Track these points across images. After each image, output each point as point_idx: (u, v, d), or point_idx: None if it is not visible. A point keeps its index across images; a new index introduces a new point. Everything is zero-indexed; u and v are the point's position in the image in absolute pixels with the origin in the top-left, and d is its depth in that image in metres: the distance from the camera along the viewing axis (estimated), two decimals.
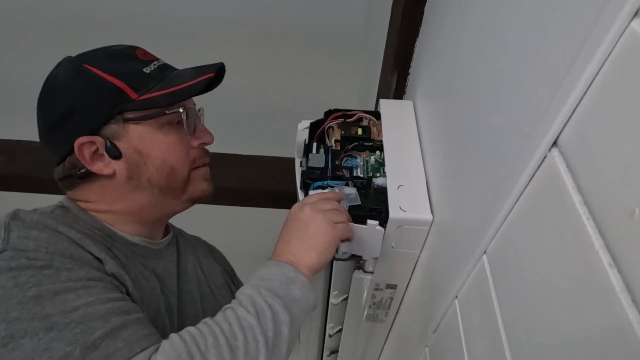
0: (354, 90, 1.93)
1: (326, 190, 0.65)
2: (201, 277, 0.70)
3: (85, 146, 0.53)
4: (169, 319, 0.58)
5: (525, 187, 0.34)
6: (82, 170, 0.54)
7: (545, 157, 0.32)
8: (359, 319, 0.86)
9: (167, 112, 0.55)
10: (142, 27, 1.77)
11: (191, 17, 1.87)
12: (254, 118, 1.94)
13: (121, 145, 0.54)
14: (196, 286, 0.67)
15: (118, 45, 0.58)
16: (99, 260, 0.50)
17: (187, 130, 0.57)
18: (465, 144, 0.50)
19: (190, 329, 0.46)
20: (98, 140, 0.53)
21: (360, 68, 1.91)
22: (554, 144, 0.31)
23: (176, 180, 0.58)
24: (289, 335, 0.47)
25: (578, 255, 0.27)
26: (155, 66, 0.57)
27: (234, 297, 0.75)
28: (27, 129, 1.04)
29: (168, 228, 0.68)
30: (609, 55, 0.25)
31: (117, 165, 0.54)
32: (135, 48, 0.58)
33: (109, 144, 0.54)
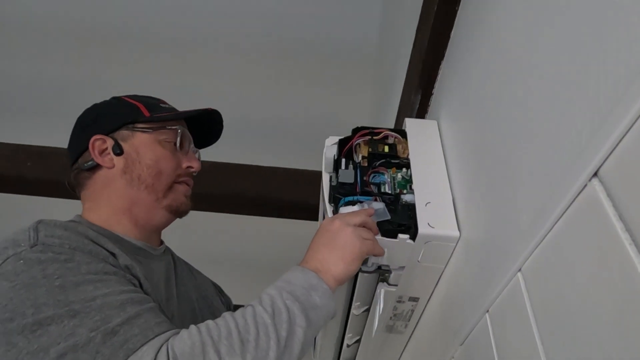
0: (367, 105, 1.96)
1: (356, 207, 0.68)
2: (195, 283, 0.79)
3: (97, 142, 0.67)
4: (167, 311, 0.63)
5: (564, 211, 0.37)
6: (89, 162, 0.67)
7: (585, 185, 0.34)
8: (378, 330, 0.88)
9: (167, 127, 0.70)
10: (158, 41, 1.81)
11: (207, 30, 1.91)
12: (269, 130, 1.97)
13: (125, 145, 0.67)
14: (191, 288, 0.75)
15: (151, 96, 0.76)
16: (114, 255, 0.57)
17: (178, 146, 0.70)
18: (495, 166, 0.53)
19: (209, 321, 0.51)
20: (109, 140, 0.67)
21: (372, 83, 1.94)
22: (595, 174, 0.33)
23: (161, 182, 0.68)
24: (303, 338, 0.51)
25: (620, 277, 0.30)
26: (170, 107, 0.75)
27: (224, 305, 0.83)
28: (53, 135, 1.08)
29: (162, 242, 0.76)
30: None
31: (117, 160, 0.67)
32: (160, 99, 0.76)
33: (116, 144, 0.67)
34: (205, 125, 0.79)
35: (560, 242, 0.37)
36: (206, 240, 1.96)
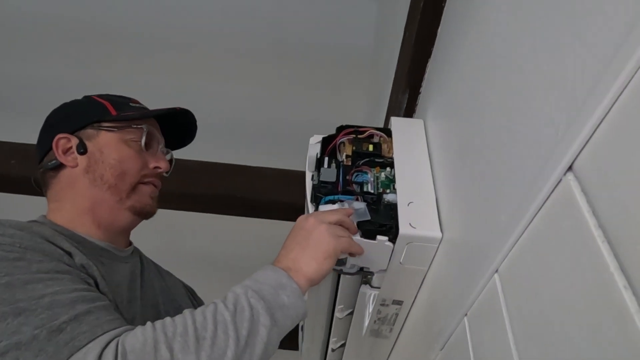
0: (361, 106, 1.95)
1: (335, 205, 0.66)
2: (164, 286, 0.77)
3: (61, 141, 0.66)
4: (127, 314, 0.61)
5: (539, 209, 0.35)
6: (53, 162, 0.66)
7: (560, 180, 0.33)
8: (363, 334, 0.86)
9: (133, 125, 0.68)
10: (152, 41, 1.80)
11: (203, 32, 1.90)
12: (262, 131, 1.95)
13: (89, 144, 0.66)
14: (158, 292, 0.73)
15: (121, 95, 0.74)
16: (69, 255, 0.56)
17: (144, 147, 0.69)
18: (477, 164, 0.51)
19: (167, 318, 0.49)
20: (74, 139, 0.66)
21: (367, 84, 1.93)
22: (569, 168, 0.32)
23: (124, 183, 0.67)
24: (267, 337, 0.49)
25: (593, 277, 0.28)
26: (140, 106, 0.73)
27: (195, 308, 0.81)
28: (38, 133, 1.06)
29: (131, 243, 0.74)
30: (627, 84, 0.26)
31: (80, 160, 0.66)
32: (131, 98, 0.74)
33: (80, 143, 0.66)
34: (180, 126, 0.77)
35: (535, 241, 0.36)
36: (193, 241, 1.94)
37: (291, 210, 1.24)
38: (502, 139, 0.44)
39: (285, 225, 1.28)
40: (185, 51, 1.70)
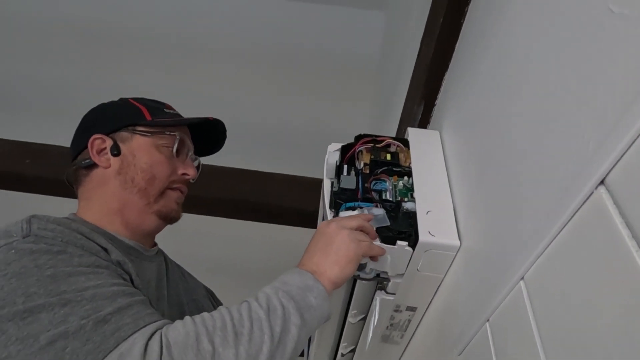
0: (368, 114, 1.98)
1: (355, 212, 0.68)
2: (186, 285, 0.79)
3: (96, 141, 0.68)
4: (159, 311, 0.63)
5: (570, 219, 0.37)
6: (87, 161, 0.68)
7: (591, 193, 0.35)
8: (374, 339, 0.87)
9: (167, 132, 0.70)
10: (161, 45, 1.83)
11: (213, 37, 1.92)
12: (271, 137, 1.97)
13: (123, 147, 0.68)
14: (181, 291, 0.75)
15: (157, 100, 0.77)
16: (106, 251, 0.58)
17: (175, 154, 0.71)
18: (500, 176, 0.53)
19: (204, 313, 0.51)
20: (108, 140, 0.68)
21: (374, 92, 1.96)
22: (601, 182, 0.34)
23: (154, 187, 0.68)
24: (297, 336, 0.52)
25: (627, 285, 0.30)
26: (174, 112, 0.75)
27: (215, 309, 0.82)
28: (53, 133, 1.07)
29: (155, 244, 0.76)
30: None
31: (113, 161, 0.68)
32: (165, 103, 0.77)
33: (115, 144, 0.68)
34: (208, 133, 0.79)
35: (565, 250, 0.37)
36: (202, 244, 1.95)
37: (299, 216, 1.26)
38: (529, 151, 0.46)
39: (293, 231, 1.30)
40: (198, 58, 1.72)
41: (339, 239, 0.59)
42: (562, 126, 0.40)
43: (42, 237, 0.53)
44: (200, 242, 1.89)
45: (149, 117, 0.70)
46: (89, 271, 0.51)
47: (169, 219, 0.72)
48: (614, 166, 0.32)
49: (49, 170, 1.10)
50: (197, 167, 0.78)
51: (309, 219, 1.12)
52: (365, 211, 0.67)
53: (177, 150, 0.71)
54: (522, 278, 0.44)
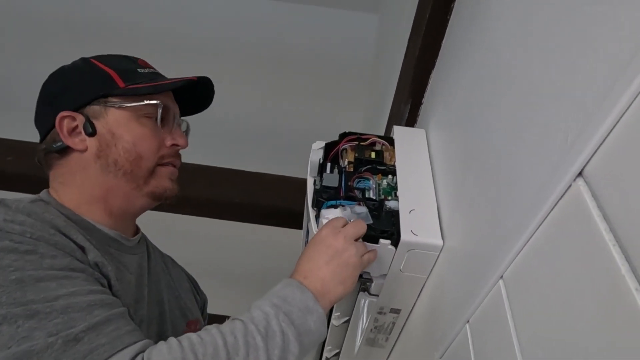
0: (361, 115, 1.97)
1: (338, 210, 0.66)
2: (169, 279, 0.72)
3: (65, 120, 0.58)
4: (135, 314, 0.57)
5: (548, 213, 0.35)
6: (59, 144, 0.58)
7: (569, 186, 0.33)
8: (358, 342, 0.85)
9: (145, 101, 0.60)
10: (154, 44, 1.81)
11: (204, 36, 1.91)
12: (262, 137, 1.96)
13: (98, 124, 0.58)
14: (163, 287, 0.68)
15: (126, 55, 0.66)
16: (82, 250, 0.51)
17: (159, 124, 0.61)
18: (483, 173, 0.52)
19: (192, 335, 0.45)
20: (79, 117, 0.58)
21: (367, 94, 1.95)
22: (579, 174, 0.32)
23: (141, 168, 0.60)
24: None
25: (604, 280, 0.28)
26: (149, 71, 0.64)
27: (198, 306, 0.75)
28: (36, 131, 1.05)
29: (138, 229, 0.69)
30: (637, 95, 0.27)
31: (89, 142, 0.58)
32: (138, 58, 0.65)
33: (87, 122, 0.58)
34: (192, 91, 0.67)
35: (543, 246, 0.36)
36: (190, 245, 1.92)
37: (288, 217, 1.24)
38: (510, 146, 0.45)
39: (282, 232, 1.28)
40: (188, 58, 1.71)
41: (347, 256, 0.55)
42: (543, 118, 0.39)
43: (8, 233, 0.45)
44: (188, 243, 1.86)
45: (121, 84, 0.59)
46: (62, 275, 0.45)
47: (164, 198, 0.63)
48: (591, 157, 0.31)
49: (30, 167, 1.07)
50: (186, 132, 0.69)
51: (298, 220, 1.10)
52: (348, 209, 0.65)
53: (162, 119, 0.61)
54: (502, 277, 0.42)
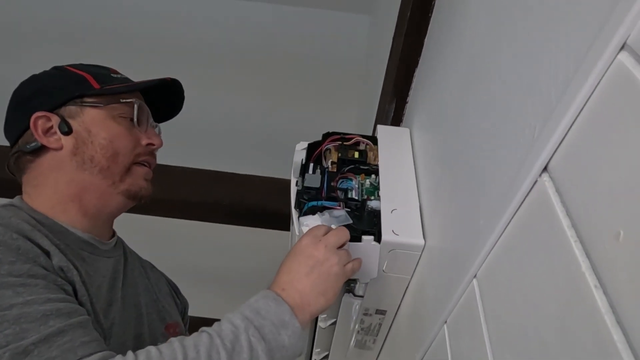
0: (353, 117, 1.96)
1: (316, 215, 0.64)
2: (147, 283, 0.71)
3: (40, 120, 0.58)
4: (106, 318, 0.56)
5: (516, 211, 0.35)
6: (32, 144, 0.58)
7: (535, 182, 0.32)
8: (346, 344, 0.84)
9: (121, 100, 0.61)
10: (146, 47, 1.81)
11: (196, 39, 1.91)
12: (251, 139, 1.96)
13: (74, 123, 0.59)
14: (140, 290, 0.67)
15: (98, 64, 0.67)
16: (47, 255, 0.50)
17: (135, 122, 0.62)
18: (458, 170, 0.51)
19: (151, 348, 0.44)
20: (54, 117, 0.59)
21: (359, 95, 1.95)
22: (545, 169, 0.32)
23: (117, 164, 0.60)
24: None
25: (565, 277, 0.27)
26: (122, 77, 0.66)
27: (178, 310, 0.73)
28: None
29: (114, 233, 0.68)
30: (597, 85, 0.26)
31: (65, 141, 0.58)
32: (110, 67, 0.67)
33: (63, 121, 0.58)
34: (164, 97, 0.69)
35: (511, 244, 0.35)
36: (177, 249, 1.91)
37: (278, 219, 1.23)
38: (483, 144, 0.44)
39: (271, 234, 1.28)
40: (178, 59, 1.71)
41: (328, 266, 0.53)
42: (513, 115, 0.38)
43: None
44: (175, 247, 1.85)
45: (96, 86, 0.60)
46: (20, 282, 0.44)
47: (139, 197, 0.63)
48: (555, 151, 0.30)
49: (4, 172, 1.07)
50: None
51: (286, 222, 1.10)
52: (326, 213, 0.64)
53: (138, 119, 0.62)
54: (475, 276, 0.41)
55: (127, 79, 0.65)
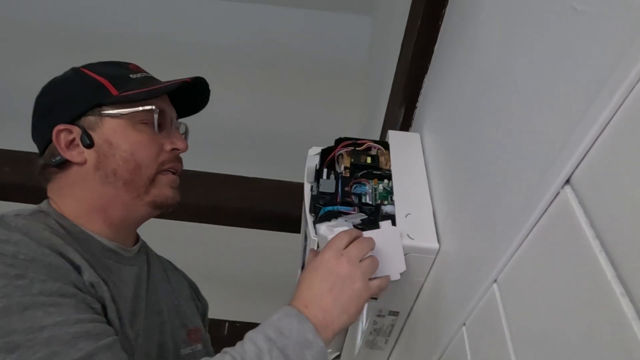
0: (356, 119, 1.98)
1: (332, 222, 0.65)
2: (169, 288, 0.71)
3: (62, 133, 0.58)
4: (132, 330, 0.57)
5: (538, 220, 0.36)
6: (57, 158, 0.58)
7: (558, 193, 0.34)
8: (358, 345, 0.86)
9: (140, 107, 0.59)
10: (147, 49, 1.81)
11: (201, 41, 1.92)
12: (257, 142, 1.97)
13: (94, 135, 0.58)
14: (163, 297, 0.67)
15: (117, 61, 0.65)
16: (78, 270, 0.50)
17: (157, 129, 0.60)
18: (474, 177, 0.53)
19: None
20: (75, 129, 0.58)
21: (361, 97, 1.96)
22: (567, 181, 0.33)
23: (141, 177, 0.59)
24: None
25: (591, 285, 0.29)
26: (142, 76, 0.64)
27: (199, 312, 0.73)
28: (32, 140, 1.06)
29: (137, 237, 0.68)
30: (622, 103, 0.28)
31: (88, 154, 0.58)
32: (129, 63, 0.65)
33: (84, 133, 0.58)
34: (188, 93, 0.66)
35: (533, 251, 0.37)
36: (185, 252, 1.93)
37: (286, 221, 1.25)
38: (499, 152, 0.46)
39: (279, 236, 1.29)
40: (185, 63, 1.72)
41: (351, 283, 0.51)
42: (530, 125, 0.40)
43: (1, 254, 0.45)
44: (184, 249, 1.87)
45: (115, 92, 0.59)
46: (51, 302, 0.44)
47: (165, 206, 0.62)
48: (578, 164, 0.32)
49: (27, 177, 1.08)
50: (185, 135, 0.68)
51: (295, 224, 1.11)
52: (349, 222, 0.64)
53: (159, 124, 0.60)
54: (496, 280, 0.43)
55: (146, 78, 0.63)
